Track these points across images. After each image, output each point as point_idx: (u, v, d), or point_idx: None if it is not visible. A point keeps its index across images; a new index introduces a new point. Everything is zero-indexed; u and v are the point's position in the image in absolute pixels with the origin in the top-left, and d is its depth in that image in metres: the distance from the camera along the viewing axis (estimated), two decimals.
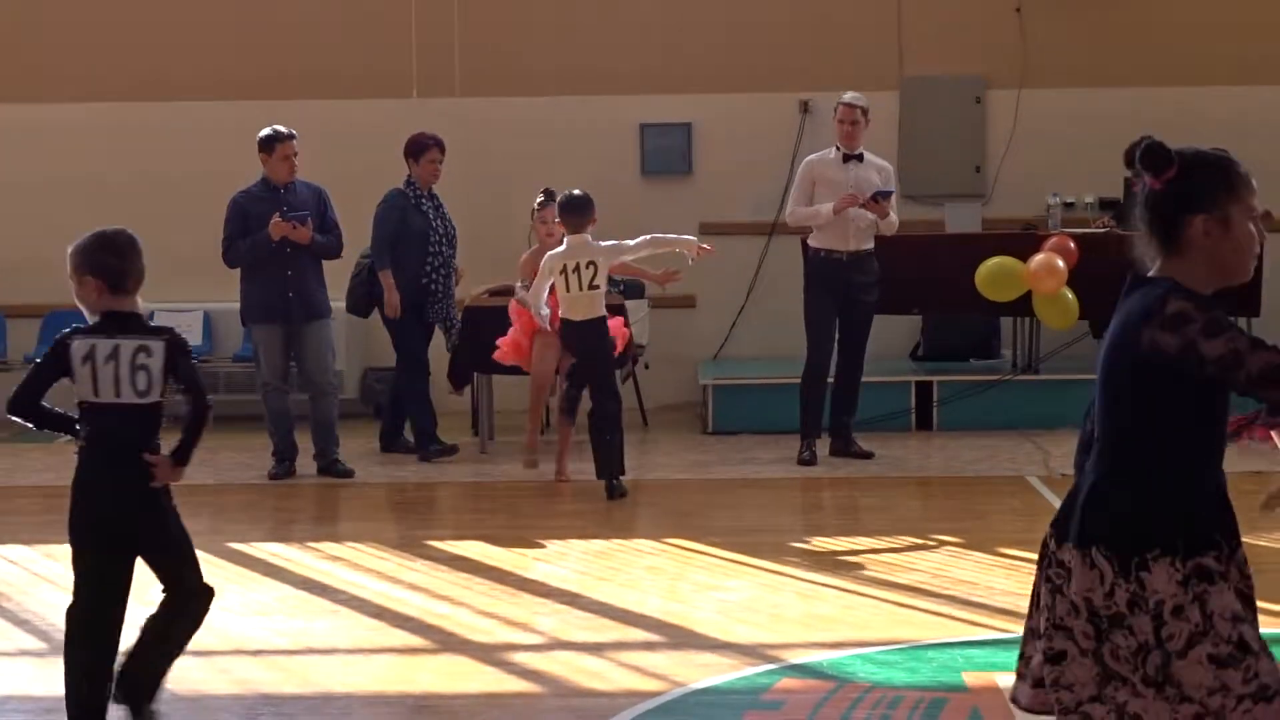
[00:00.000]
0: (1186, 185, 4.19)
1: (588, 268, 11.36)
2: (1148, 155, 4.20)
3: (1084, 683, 4.16)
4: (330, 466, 12.66)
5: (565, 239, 11.56)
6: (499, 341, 12.61)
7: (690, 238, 11.88)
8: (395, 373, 13.68)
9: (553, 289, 11.62)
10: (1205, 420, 4.15)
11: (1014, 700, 4.47)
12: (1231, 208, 4.18)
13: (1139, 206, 4.27)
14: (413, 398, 13.39)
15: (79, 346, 6.53)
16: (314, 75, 15.58)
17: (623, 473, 11.71)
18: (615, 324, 12.01)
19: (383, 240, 13.14)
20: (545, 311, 11.69)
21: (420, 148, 13.26)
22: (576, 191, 11.61)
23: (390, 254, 13.09)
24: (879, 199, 12.54)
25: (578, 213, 11.48)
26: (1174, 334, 4.04)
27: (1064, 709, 4.20)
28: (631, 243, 11.55)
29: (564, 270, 11.41)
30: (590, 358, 11.59)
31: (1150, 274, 4.24)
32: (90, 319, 6.63)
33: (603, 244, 11.52)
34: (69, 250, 6.60)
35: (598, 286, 11.43)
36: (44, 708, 7.15)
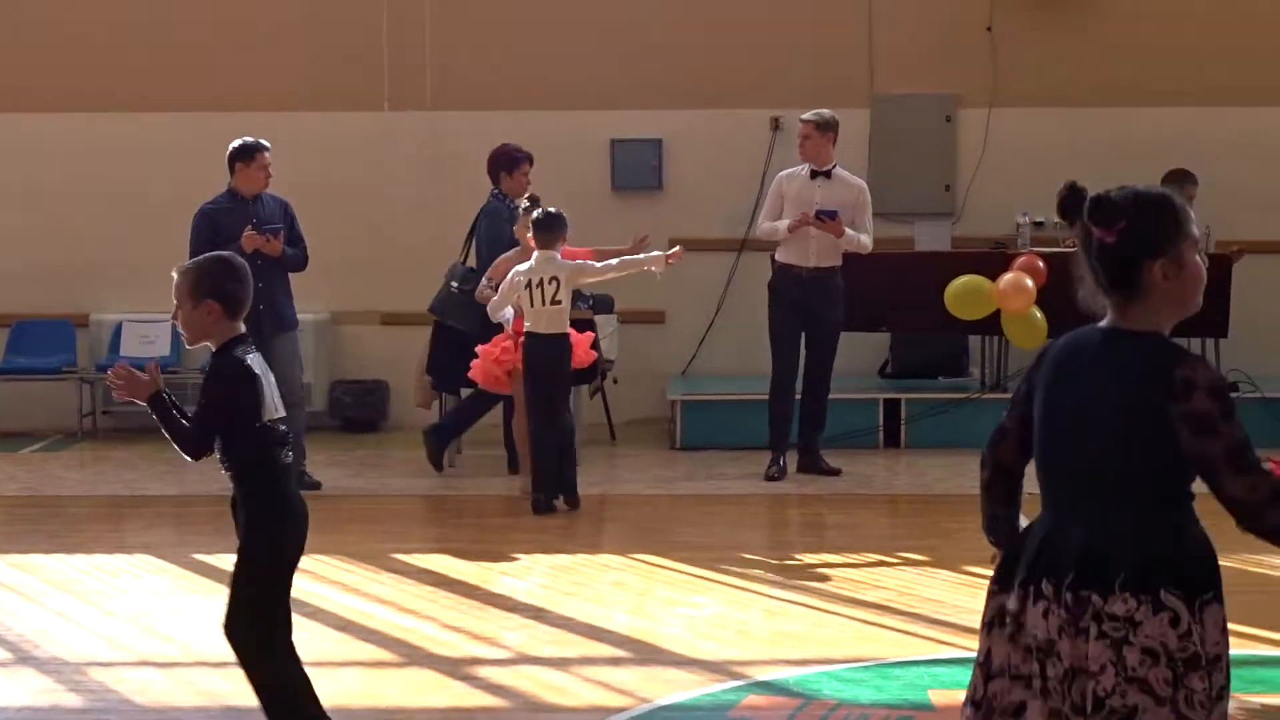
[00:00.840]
0: (1138, 233, 4.16)
1: (550, 283, 11.50)
2: (1096, 210, 4.16)
3: None
4: (297, 478, 12.59)
5: (534, 254, 11.64)
6: (480, 350, 12.32)
7: (657, 253, 11.86)
8: (472, 394, 13.29)
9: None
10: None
11: None
12: (1182, 245, 4.17)
13: (1088, 259, 4.25)
14: (473, 417, 13.41)
15: (255, 361, 6.18)
16: (285, 88, 15.55)
17: (575, 494, 11.80)
18: (583, 340, 12.08)
19: (499, 254, 13.12)
20: (508, 315, 11.90)
21: (513, 161, 13.12)
22: (552, 209, 11.69)
23: None
24: (823, 218, 12.57)
25: (549, 230, 11.59)
26: (1196, 434, 4.03)
27: None
28: (598, 264, 11.73)
29: (529, 285, 11.54)
30: (550, 370, 11.66)
31: (1113, 323, 4.24)
32: (201, 342, 6.29)
33: (568, 263, 11.63)
34: (180, 270, 6.34)
35: (559, 302, 11.54)
36: (5, 718, 7.12)
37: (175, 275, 6.26)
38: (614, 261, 11.78)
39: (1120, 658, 4.06)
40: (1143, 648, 4.04)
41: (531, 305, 11.56)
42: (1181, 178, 14.25)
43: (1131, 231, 4.15)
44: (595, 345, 12.39)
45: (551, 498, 11.66)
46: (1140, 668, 4.04)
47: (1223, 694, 4.09)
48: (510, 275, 11.71)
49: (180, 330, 6.33)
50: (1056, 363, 4.33)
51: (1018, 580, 4.27)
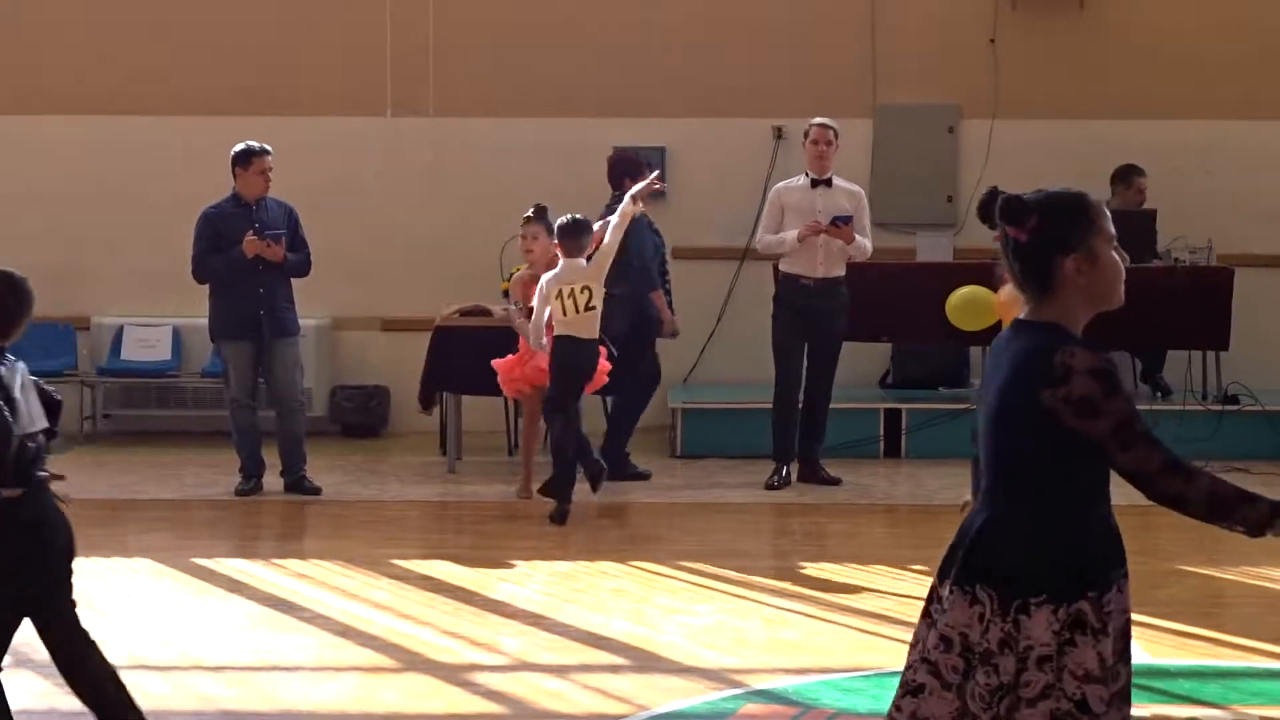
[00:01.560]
0: (1050, 230, 4.29)
1: (583, 291, 11.45)
2: (1007, 209, 4.31)
3: (940, 717, 4.22)
4: (297, 483, 12.63)
5: (561, 262, 11.59)
6: (499, 367, 12.36)
7: (637, 186, 11.80)
8: (628, 395, 13.28)
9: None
10: (1096, 458, 4.20)
11: None
12: (1095, 241, 4.29)
13: (1006, 258, 4.38)
14: (636, 415, 13.41)
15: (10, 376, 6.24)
16: (288, 93, 15.55)
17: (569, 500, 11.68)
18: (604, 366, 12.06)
19: (649, 261, 13.14)
20: (545, 342, 11.71)
21: (637, 168, 13.00)
22: (578, 216, 11.68)
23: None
24: (838, 224, 12.57)
25: (575, 236, 11.55)
26: (1080, 416, 4.12)
27: None
28: (605, 242, 11.58)
29: (560, 295, 11.47)
30: (578, 374, 11.62)
31: (1025, 316, 4.35)
32: None
33: (588, 265, 11.57)
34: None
35: (594, 307, 11.52)
36: None
37: None
38: (614, 220, 11.65)
39: (925, 637, 4.30)
40: (942, 633, 4.24)
41: (565, 314, 11.50)
42: (1128, 171, 14.44)
43: (1042, 229, 4.29)
44: (611, 358, 12.15)
45: (568, 503, 11.65)
46: (934, 651, 4.25)
47: (1046, 692, 4.14)
48: (540, 286, 11.64)
49: None
50: (991, 356, 4.50)
51: None
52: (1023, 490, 4.24)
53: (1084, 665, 4.13)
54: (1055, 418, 4.13)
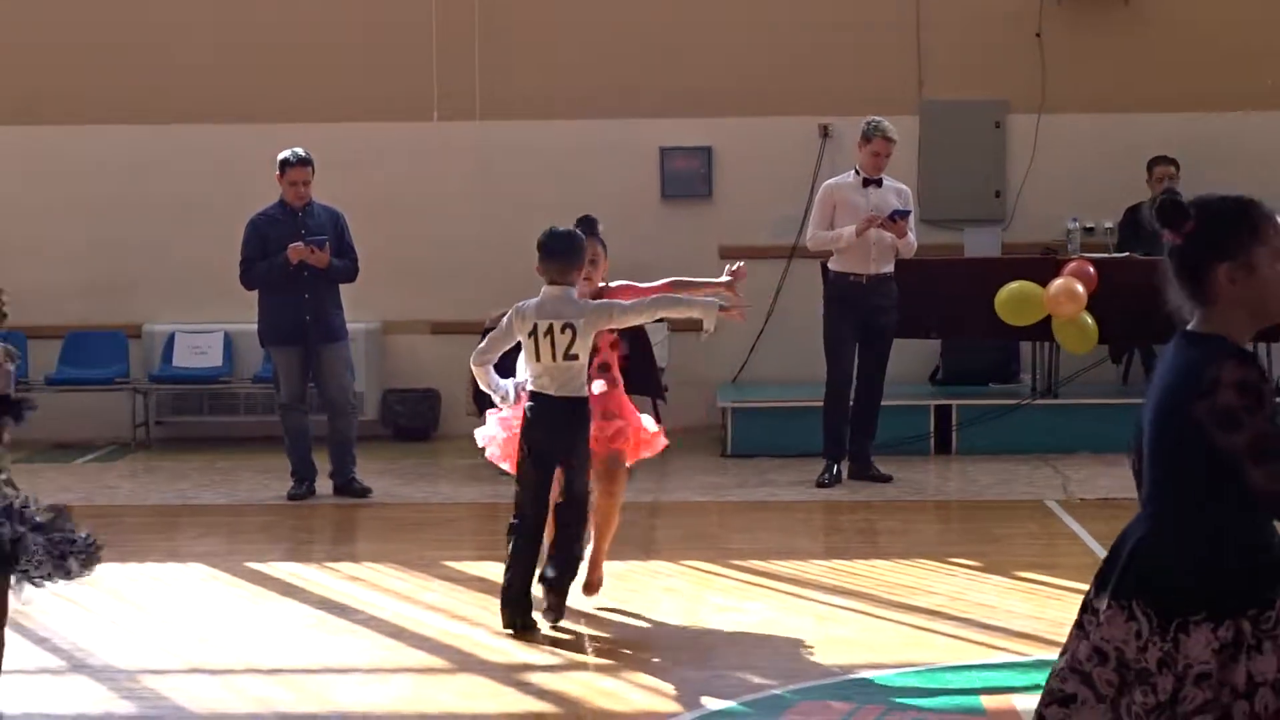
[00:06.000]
0: (1206, 236, 4.16)
1: (564, 331, 8.46)
2: (1163, 212, 4.19)
3: None
4: (347, 485, 12.68)
5: (542, 290, 8.68)
6: (496, 442, 9.11)
7: (711, 299, 8.81)
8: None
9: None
10: None
11: None
12: (1255, 251, 4.15)
13: (1167, 260, 4.25)
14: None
15: None
16: (335, 99, 15.60)
17: (562, 600, 8.69)
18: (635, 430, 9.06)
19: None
20: (510, 387, 8.78)
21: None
22: (560, 228, 8.73)
23: None
24: (896, 218, 12.54)
25: (561, 257, 8.62)
26: (1221, 428, 4.03)
27: None
28: (629, 303, 8.66)
29: (534, 332, 8.54)
30: (556, 446, 8.52)
31: (1192, 327, 4.23)
32: None
33: (589, 303, 8.63)
34: None
35: (575, 357, 8.47)
36: None
37: None
38: (655, 299, 8.75)
39: (1076, 648, 4.22)
40: (1096, 646, 4.17)
41: (538, 359, 8.51)
42: (1152, 162, 14.61)
43: (1199, 234, 4.16)
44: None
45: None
46: (1087, 663, 4.18)
47: (1204, 708, 4.07)
48: (510, 314, 8.72)
49: None
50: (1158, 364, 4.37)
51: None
52: (1183, 505, 4.14)
53: (1235, 683, 4.06)
54: (1207, 431, 4.04)
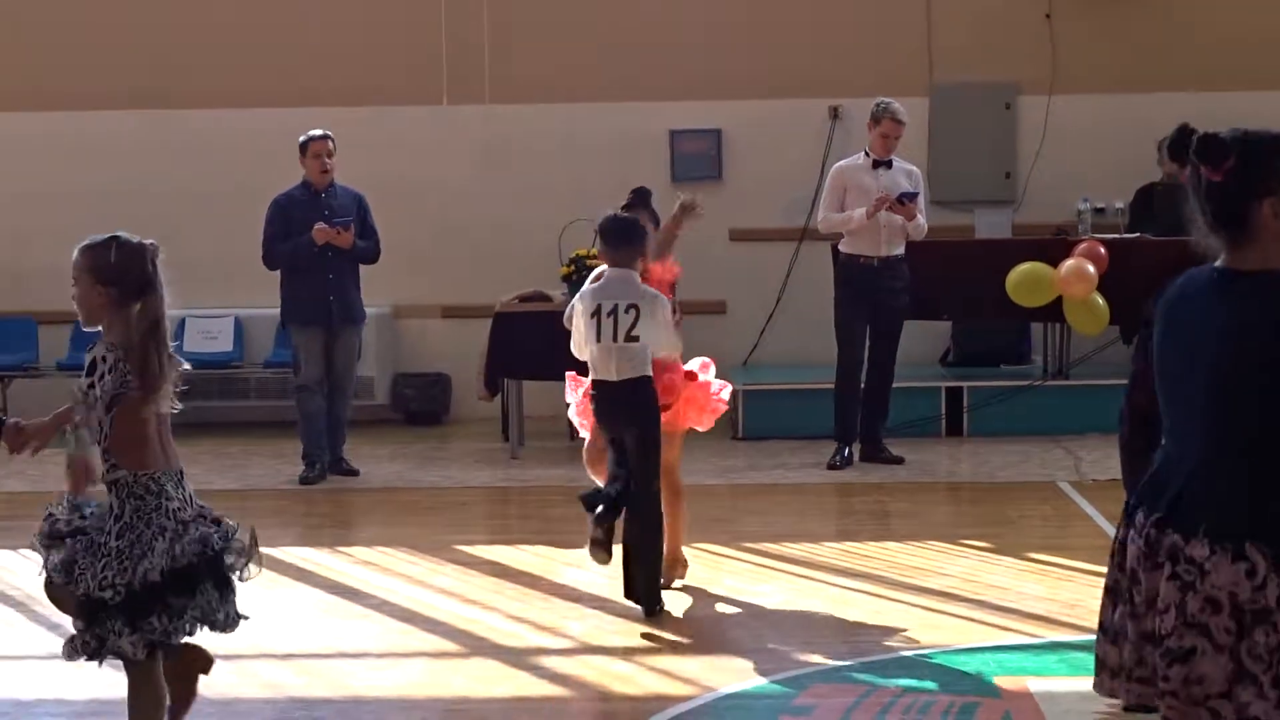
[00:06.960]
0: (1247, 171, 4.13)
1: (627, 312, 8.48)
2: (1203, 147, 4.15)
3: (1215, 679, 4.06)
4: (336, 464, 12.74)
5: (604, 272, 8.75)
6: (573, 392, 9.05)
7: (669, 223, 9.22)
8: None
9: None
10: None
11: (1098, 690, 4.36)
12: None
13: (1198, 200, 4.19)
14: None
15: None
16: (345, 83, 15.58)
17: (659, 600, 8.67)
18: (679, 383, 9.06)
19: None
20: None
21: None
22: (621, 213, 8.86)
23: None
24: (905, 201, 12.52)
25: (623, 241, 8.65)
26: None
27: (1191, 700, 4.09)
28: (668, 320, 8.59)
29: (597, 313, 8.53)
30: (629, 426, 8.57)
31: (1228, 264, 4.16)
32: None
33: (652, 291, 8.62)
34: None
35: (636, 339, 8.48)
36: (75, 711, 7.20)
37: None
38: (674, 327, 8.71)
39: (1184, 602, 4.08)
40: (1207, 595, 4.05)
41: (599, 340, 8.50)
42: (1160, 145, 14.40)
43: (1240, 170, 4.13)
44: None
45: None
46: (1200, 614, 4.06)
47: None
48: (570, 306, 8.82)
49: None
50: (1170, 304, 4.27)
51: (1129, 504, 4.30)
52: (1244, 442, 4.06)
53: None
54: None
